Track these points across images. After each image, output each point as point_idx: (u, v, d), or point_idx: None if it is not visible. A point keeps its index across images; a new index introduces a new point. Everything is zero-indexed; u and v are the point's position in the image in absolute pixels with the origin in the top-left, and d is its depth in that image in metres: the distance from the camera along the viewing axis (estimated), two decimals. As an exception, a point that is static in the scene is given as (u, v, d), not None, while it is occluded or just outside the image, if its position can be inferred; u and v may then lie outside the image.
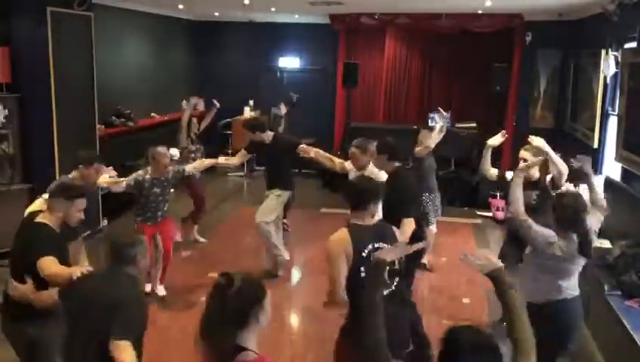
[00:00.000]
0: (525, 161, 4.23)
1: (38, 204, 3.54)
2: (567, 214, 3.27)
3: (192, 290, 5.60)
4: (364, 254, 2.87)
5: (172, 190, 5.51)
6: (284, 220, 6.93)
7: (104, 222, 7.17)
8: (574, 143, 7.84)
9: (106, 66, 7.61)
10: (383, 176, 4.44)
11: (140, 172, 5.18)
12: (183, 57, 10.87)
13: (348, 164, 5.03)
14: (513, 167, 4.32)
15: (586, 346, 4.23)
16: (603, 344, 4.34)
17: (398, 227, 3.47)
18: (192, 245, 6.80)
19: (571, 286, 3.40)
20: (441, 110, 8.02)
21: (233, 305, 1.97)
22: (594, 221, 3.48)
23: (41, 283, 3.00)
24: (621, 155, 5.89)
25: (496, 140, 4.72)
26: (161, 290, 5.51)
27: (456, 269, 5.99)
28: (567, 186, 4.28)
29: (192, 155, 6.81)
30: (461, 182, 8.94)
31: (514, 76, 9.43)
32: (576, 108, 8.25)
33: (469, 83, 10.22)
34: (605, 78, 6.73)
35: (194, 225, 6.93)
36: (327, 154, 5.70)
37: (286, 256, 6.00)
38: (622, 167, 5.98)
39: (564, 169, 4.13)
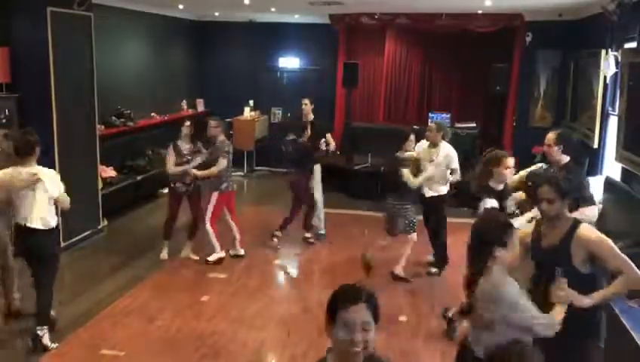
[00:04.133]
0: (550, 146, 4.26)
1: None
2: None
3: (192, 290, 5.60)
4: None
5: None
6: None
7: (104, 222, 7.17)
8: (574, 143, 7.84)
9: (106, 66, 7.61)
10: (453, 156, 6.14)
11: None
12: (183, 57, 10.86)
13: None
14: (515, 167, 4.33)
15: None
16: (603, 344, 4.33)
17: None
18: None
19: None
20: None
21: None
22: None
23: None
24: (621, 155, 5.89)
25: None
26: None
27: (457, 270, 5.97)
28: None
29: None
30: (461, 182, 8.92)
31: (514, 76, 9.43)
32: (576, 108, 8.26)
33: (469, 83, 10.21)
34: (605, 78, 6.73)
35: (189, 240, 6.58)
36: None
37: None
38: (622, 167, 5.98)
39: None
